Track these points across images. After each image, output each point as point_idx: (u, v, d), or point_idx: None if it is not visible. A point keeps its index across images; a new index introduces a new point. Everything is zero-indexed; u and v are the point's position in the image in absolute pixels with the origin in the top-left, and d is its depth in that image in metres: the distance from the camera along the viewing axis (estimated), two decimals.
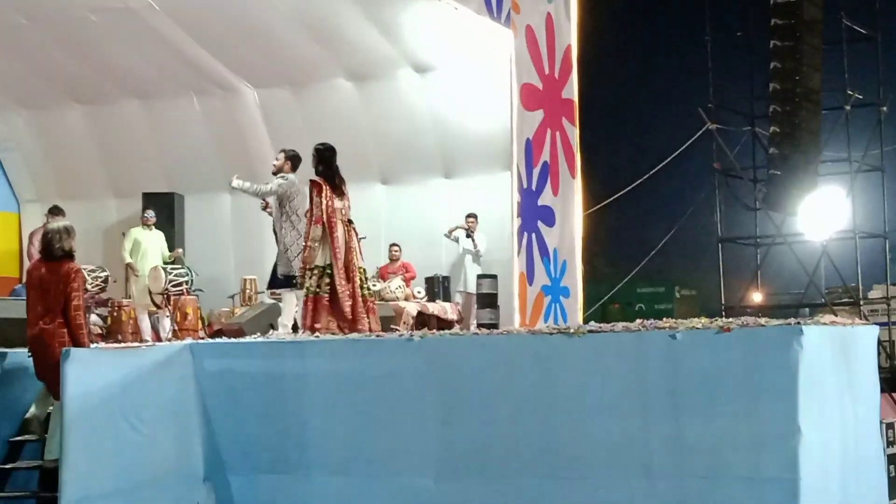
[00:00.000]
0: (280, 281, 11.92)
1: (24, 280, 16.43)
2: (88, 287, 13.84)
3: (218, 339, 10.52)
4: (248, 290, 15.99)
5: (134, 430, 8.68)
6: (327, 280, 11.08)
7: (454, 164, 16.76)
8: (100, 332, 14.15)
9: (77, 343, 8.71)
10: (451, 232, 16.03)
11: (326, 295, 11.06)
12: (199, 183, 17.68)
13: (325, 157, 11.47)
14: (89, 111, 18.17)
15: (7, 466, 8.75)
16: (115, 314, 14.86)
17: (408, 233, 16.59)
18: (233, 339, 10.43)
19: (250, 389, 9.23)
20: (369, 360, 9.04)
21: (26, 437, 8.88)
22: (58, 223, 9.21)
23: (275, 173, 12.11)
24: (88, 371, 8.38)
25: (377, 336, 9.73)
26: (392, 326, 13.44)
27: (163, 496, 8.93)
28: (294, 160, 12.17)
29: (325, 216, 11.18)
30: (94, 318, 14.42)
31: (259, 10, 15.42)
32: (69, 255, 8.98)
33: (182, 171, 17.88)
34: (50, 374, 8.57)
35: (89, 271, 13.99)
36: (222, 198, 17.75)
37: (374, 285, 15.76)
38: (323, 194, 11.25)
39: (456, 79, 16.08)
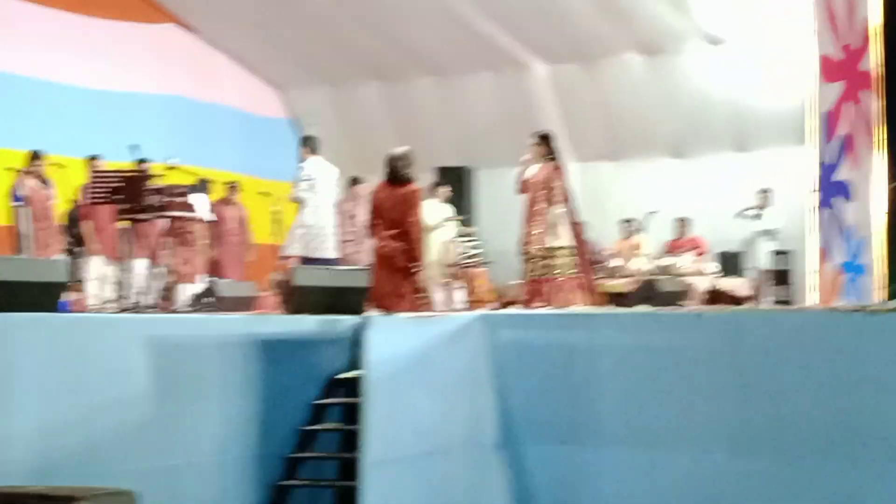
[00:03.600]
0: None
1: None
2: None
3: (511, 310, 10.65)
4: None
5: (430, 398, 8.90)
6: (576, 260, 11.30)
7: (746, 138, 16.47)
8: None
9: (414, 254, 9.61)
10: (742, 212, 15.73)
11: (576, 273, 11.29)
12: (489, 157, 17.94)
13: (554, 144, 11.64)
14: (385, 87, 18.70)
15: (313, 428, 9.09)
16: None
17: (699, 207, 16.39)
18: (525, 311, 10.57)
19: (542, 360, 9.32)
20: (659, 335, 8.97)
21: (330, 400, 9.22)
22: (401, 149, 10.05)
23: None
24: (388, 338, 8.64)
25: (667, 310, 9.67)
26: (682, 302, 13.31)
27: (456, 463, 9.12)
28: (309, 142, 12.75)
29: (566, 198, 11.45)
30: None
31: None
32: (410, 179, 9.83)
33: (473, 145, 18.18)
34: (390, 287, 9.51)
35: None
36: (512, 172, 17.94)
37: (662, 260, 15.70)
38: (563, 177, 11.45)
39: (749, 51, 15.79)
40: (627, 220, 16.42)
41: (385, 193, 9.84)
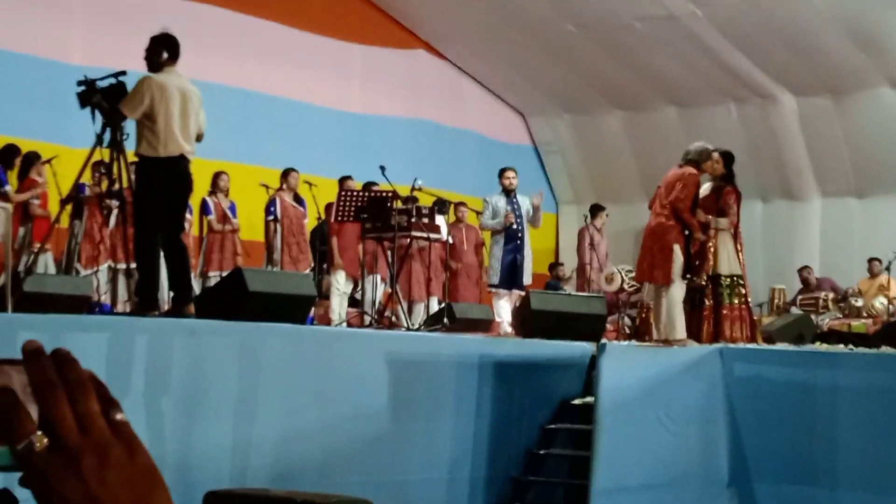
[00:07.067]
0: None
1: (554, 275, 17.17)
2: (625, 287, 14.27)
3: (749, 345, 10.50)
4: (776, 300, 15.88)
5: (663, 428, 8.85)
6: (744, 290, 10.90)
7: None
8: (628, 332, 14.50)
9: (686, 223, 10.23)
10: None
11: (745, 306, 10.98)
12: None
13: (733, 164, 11.12)
14: (628, 117, 18.70)
15: (543, 452, 9.16)
16: (643, 316, 15.17)
17: None
18: (763, 346, 10.41)
19: (779, 397, 9.15)
20: None
21: (561, 425, 9.27)
22: (700, 143, 10.68)
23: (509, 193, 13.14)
24: (623, 365, 8.65)
25: None
26: None
27: (686, 497, 9.03)
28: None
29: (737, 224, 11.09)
30: (626, 319, 14.82)
31: (803, 16, 15.26)
32: (689, 163, 10.39)
33: None
34: (650, 260, 10.29)
35: (626, 271, 14.39)
36: (754, 206, 17.67)
37: None
38: (738, 202, 11.09)
39: None
40: (874, 259, 15.93)
41: (669, 176, 10.43)
